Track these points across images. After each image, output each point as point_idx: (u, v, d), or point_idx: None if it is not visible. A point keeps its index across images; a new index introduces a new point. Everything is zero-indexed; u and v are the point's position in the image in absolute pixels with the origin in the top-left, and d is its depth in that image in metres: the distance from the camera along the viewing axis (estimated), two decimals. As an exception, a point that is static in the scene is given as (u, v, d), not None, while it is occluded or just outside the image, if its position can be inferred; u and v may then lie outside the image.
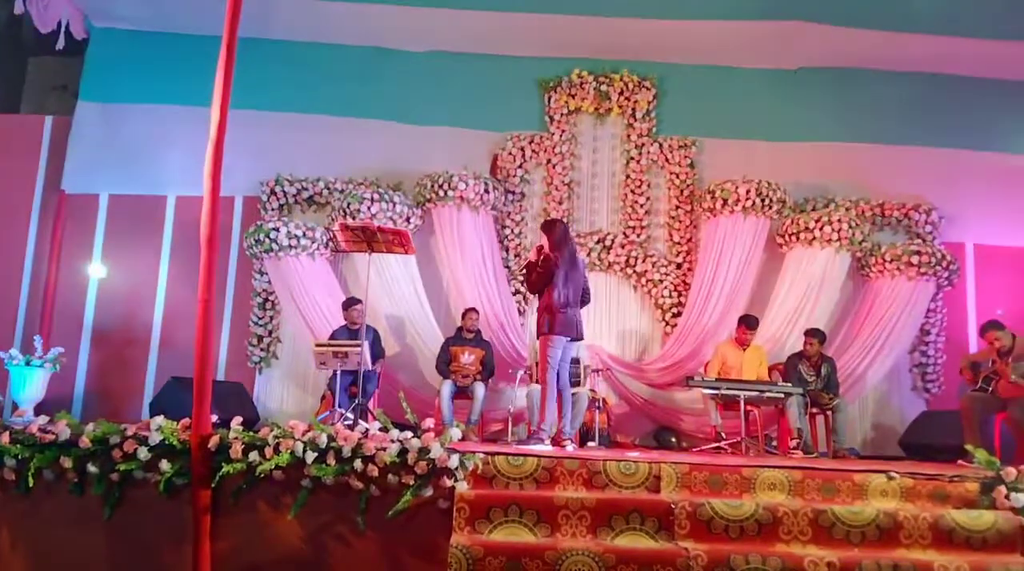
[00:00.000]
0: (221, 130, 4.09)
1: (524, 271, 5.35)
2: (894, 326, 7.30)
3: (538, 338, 5.50)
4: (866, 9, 7.22)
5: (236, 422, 4.04)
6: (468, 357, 6.73)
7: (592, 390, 6.69)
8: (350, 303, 6.83)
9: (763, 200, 7.44)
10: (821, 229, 7.29)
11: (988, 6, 6.87)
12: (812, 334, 6.78)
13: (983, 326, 6.13)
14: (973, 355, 6.52)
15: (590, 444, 6.36)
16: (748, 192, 7.41)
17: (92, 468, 3.97)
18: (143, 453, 3.92)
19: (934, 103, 8.08)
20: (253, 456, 3.87)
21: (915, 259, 7.27)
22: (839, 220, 7.28)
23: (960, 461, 5.10)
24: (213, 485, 3.85)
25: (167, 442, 3.93)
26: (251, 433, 3.98)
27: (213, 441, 3.90)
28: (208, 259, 4.00)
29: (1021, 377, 5.74)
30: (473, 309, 7.03)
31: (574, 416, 6.30)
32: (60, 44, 7.75)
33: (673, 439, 7.23)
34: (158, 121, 7.87)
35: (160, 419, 4.03)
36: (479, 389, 6.52)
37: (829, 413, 6.59)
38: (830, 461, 5.61)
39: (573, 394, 6.33)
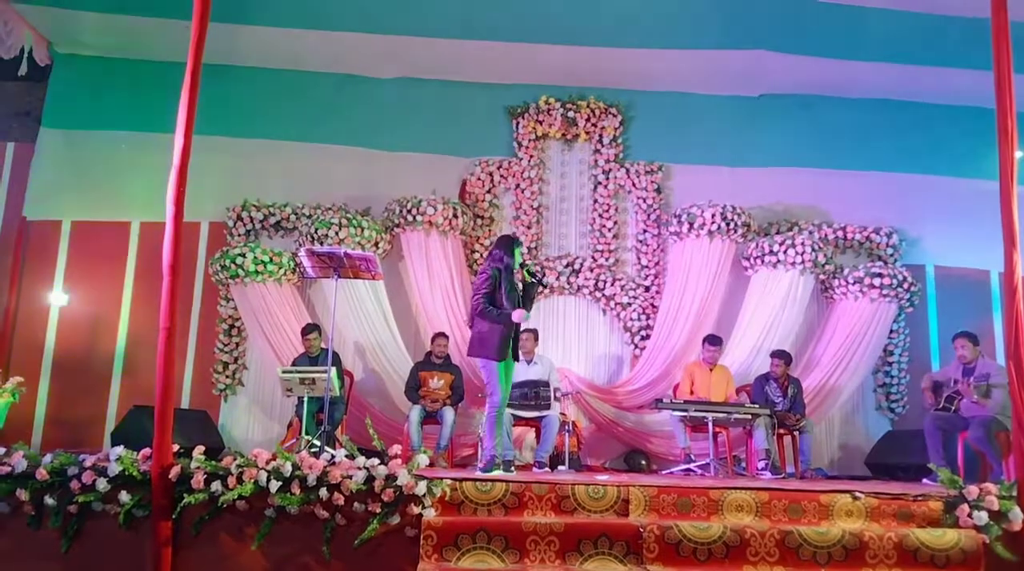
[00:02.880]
0: (185, 156, 4.09)
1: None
2: (858, 347, 7.41)
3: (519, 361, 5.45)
4: (826, 39, 7.38)
5: (198, 451, 3.97)
6: (437, 382, 6.70)
7: (562, 413, 6.68)
8: (307, 331, 6.76)
9: (728, 224, 7.54)
10: (785, 252, 7.39)
11: (942, 37, 7.06)
12: (778, 355, 6.85)
13: (957, 334, 6.23)
14: (934, 374, 6.62)
15: (560, 468, 6.34)
16: (713, 216, 7.51)
17: (50, 500, 3.90)
18: (102, 484, 3.86)
19: (893, 129, 8.26)
20: (215, 486, 3.81)
21: (877, 281, 7.39)
22: (802, 243, 7.39)
23: (924, 480, 5.17)
24: (174, 516, 3.79)
25: (127, 473, 3.87)
26: (213, 462, 3.93)
27: (174, 471, 3.83)
28: (171, 286, 3.97)
29: (982, 396, 5.83)
30: (442, 334, 7.01)
31: (545, 440, 6.31)
32: (23, 70, 7.64)
33: (643, 462, 7.24)
34: (122, 148, 7.77)
35: (119, 449, 3.96)
36: (448, 414, 6.48)
37: (796, 434, 6.65)
38: (796, 482, 5.65)
39: (544, 417, 6.35)
